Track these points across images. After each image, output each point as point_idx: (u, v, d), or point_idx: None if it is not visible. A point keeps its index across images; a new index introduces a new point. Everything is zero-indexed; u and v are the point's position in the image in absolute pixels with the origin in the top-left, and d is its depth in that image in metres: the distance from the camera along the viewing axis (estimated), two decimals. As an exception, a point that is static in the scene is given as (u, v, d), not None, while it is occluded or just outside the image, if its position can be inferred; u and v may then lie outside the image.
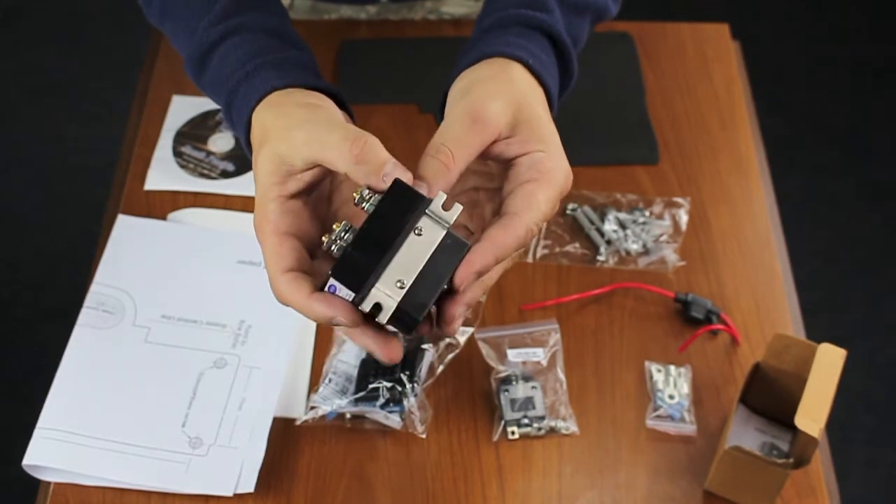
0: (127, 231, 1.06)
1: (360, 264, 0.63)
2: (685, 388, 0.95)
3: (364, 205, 0.65)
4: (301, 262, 0.68)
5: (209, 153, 1.12)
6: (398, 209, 0.64)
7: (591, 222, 1.07)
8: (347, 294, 0.64)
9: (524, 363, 0.96)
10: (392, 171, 0.65)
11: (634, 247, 1.05)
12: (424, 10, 1.25)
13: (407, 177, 0.65)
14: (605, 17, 0.87)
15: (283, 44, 0.79)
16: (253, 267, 1.03)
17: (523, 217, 0.69)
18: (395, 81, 1.20)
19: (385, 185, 0.64)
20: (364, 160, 0.65)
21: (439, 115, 0.75)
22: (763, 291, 1.04)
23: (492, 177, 0.74)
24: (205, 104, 1.16)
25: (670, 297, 1.01)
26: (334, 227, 0.66)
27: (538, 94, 0.76)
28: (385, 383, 0.92)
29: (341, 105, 0.76)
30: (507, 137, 0.71)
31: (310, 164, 0.68)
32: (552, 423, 0.93)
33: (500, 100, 0.71)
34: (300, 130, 0.68)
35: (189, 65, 0.82)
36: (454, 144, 0.68)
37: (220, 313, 1.00)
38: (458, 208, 0.65)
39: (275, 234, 0.68)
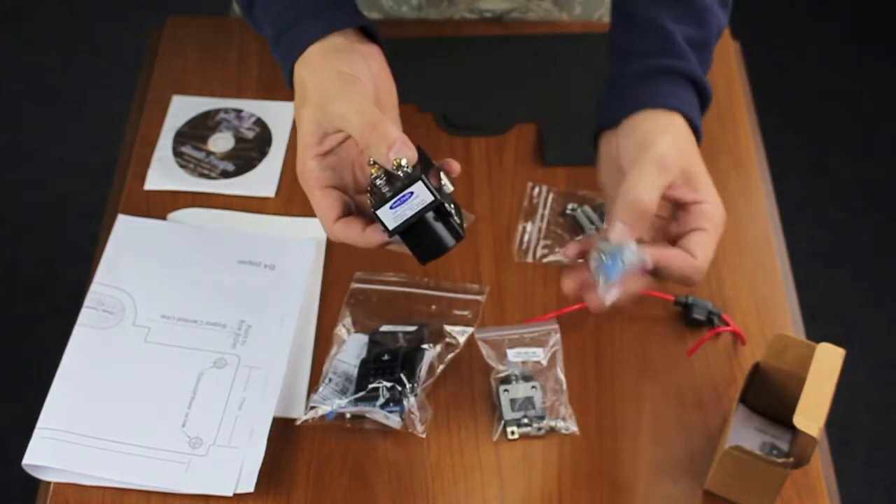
0: (127, 231, 1.06)
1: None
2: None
3: (373, 176, 0.79)
4: (347, 207, 0.82)
5: (209, 153, 1.12)
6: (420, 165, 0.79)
7: (591, 222, 1.07)
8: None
9: (524, 363, 0.96)
10: (398, 150, 0.77)
11: (634, 247, 1.05)
12: (465, 4, 1.25)
13: (411, 154, 0.77)
14: (721, 34, 0.95)
15: None
16: (253, 267, 1.03)
17: (698, 261, 0.84)
18: (394, 81, 1.20)
19: (391, 164, 0.77)
20: (373, 146, 0.78)
21: (592, 145, 0.92)
22: (763, 291, 1.04)
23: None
24: (205, 104, 1.16)
25: (670, 300, 1.01)
26: (372, 170, 0.80)
27: (694, 141, 0.88)
28: (385, 383, 0.92)
29: (374, 37, 0.87)
30: (680, 185, 0.84)
31: (339, 130, 0.81)
32: (552, 423, 0.93)
33: (677, 151, 0.85)
34: (334, 105, 0.80)
35: None
36: (647, 194, 0.82)
37: (220, 313, 1.00)
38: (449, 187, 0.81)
39: (318, 188, 0.82)
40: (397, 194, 0.76)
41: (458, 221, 0.80)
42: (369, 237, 0.81)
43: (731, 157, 1.14)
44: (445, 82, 1.20)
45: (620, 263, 0.81)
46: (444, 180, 0.81)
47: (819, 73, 2.47)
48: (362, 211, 0.84)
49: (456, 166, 0.83)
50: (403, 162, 0.77)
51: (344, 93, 0.81)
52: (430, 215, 0.78)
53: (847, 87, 2.44)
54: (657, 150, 0.83)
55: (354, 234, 0.81)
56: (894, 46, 2.52)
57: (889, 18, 2.57)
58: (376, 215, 0.78)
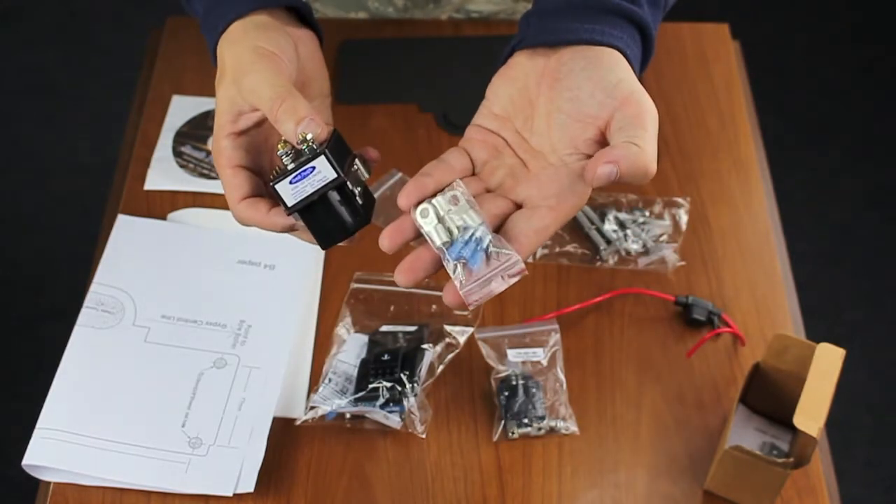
0: (127, 231, 1.06)
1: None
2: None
3: (279, 152, 0.75)
4: (256, 188, 0.79)
5: (209, 153, 1.12)
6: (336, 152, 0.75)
7: (591, 222, 1.07)
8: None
9: (524, 363, 0.96)
10: (306, 126, 0.73)
11: (634, 247, 1.05)
12: (452, 6, 1.25)
13: (318, 130, 0.74)
14: (670, 4, 0.87)
15: None
16: (253, 267, 1.03)
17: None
18: (395, 81, 1.20)
19: (297, 139, 0.73)
20: (280, 120, 0.74)
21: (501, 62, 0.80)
22: (763, 291, 1.04)
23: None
24: (204, 104, 1.16)
25: (670, 300, 1.01)
26: (279, 146, 0.75)
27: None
28: (385, 383, 0.92)
29: (312, 26, 0.83)
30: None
31: (255, 108, 0.77)
32: (552, 423, 0.93)
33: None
34: (247, 78, 0.76)
35: None
36: (654, 163, 0.72)
37: (220, 313, 1.00)
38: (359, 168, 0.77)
39: (229, 167, 0.78)
40: (298, 168, 0.73)
41: (362, 203, 0.76)
42: (273, 219, 0.77)
43: (731, 157, 1.14)
44: (445, 82, 1.20)
45: (481, 249, 0.69)
46: (358, 166, 0.77)
47: (819, 73, 2.47)
48: (273, 197, 0.79)
49: (374, 154, 0.80)
50: (309, 136, 0.73)
51: (257, 66, 0.77)
52: (332, 195, 0.74)
53: (847, 87, 2.44)
54: (654, 113, 0.74)
55: (259, 215, 0.77)
56: (894, 46, 2.52)
57: (889, 18, 2.57)
58: (275, 190, 0.74)
